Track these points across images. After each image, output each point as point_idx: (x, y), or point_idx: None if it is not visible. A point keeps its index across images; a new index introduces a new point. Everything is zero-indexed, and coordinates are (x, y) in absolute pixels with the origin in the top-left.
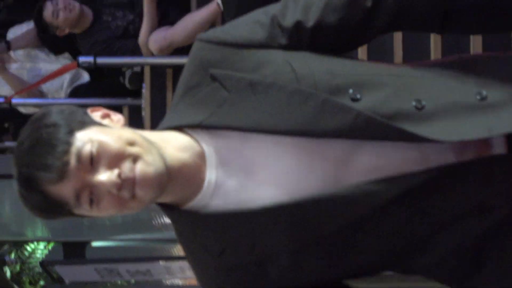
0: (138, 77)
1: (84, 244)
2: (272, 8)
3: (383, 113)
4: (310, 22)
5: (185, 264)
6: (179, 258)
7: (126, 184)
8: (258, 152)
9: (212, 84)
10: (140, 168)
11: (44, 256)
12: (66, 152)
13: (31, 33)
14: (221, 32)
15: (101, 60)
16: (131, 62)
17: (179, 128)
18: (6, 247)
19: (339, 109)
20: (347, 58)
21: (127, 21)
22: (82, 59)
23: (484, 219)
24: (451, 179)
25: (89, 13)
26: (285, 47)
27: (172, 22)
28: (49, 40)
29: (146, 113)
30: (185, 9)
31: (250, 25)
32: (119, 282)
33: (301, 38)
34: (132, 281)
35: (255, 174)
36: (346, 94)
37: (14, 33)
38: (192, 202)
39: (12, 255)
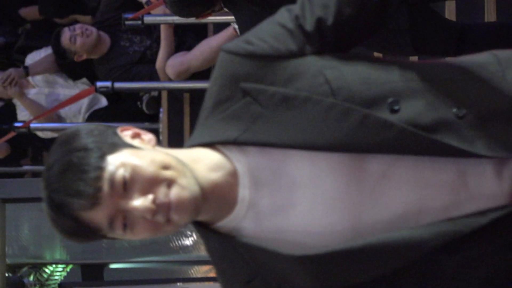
0: (155, 102)
1: (102, 266)
2: (294, 8)
3: (424, 124)
4: (330, 20)
5: (202, 285)
6: (196, 279)
7: (161, 209)
8: (294, 170)
9: (244, 98)
10: (175, 192)
11: (62, 278)
12: (99, 178)
13: (49, 58)
14: (247, 43)
15: (119, 85)
16: (149, 87)
17: (210, 144)
18: (25, 269)
19: (382, 124)
20: (379, 61)
21: (144, 47)
22: (100, 84)
23: None
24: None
25: (106, 38)
26: (314, 53)
27: (189, 48)
28: (67, 65)
29: (163, 137)
30: (202, 35)
31: (276, 33)
32: None
33: (326, 39)
34: None
35: (290, 196)
36: (384, 105)
37: (32, 58)
38: (223, 221)
39: (31, 278)
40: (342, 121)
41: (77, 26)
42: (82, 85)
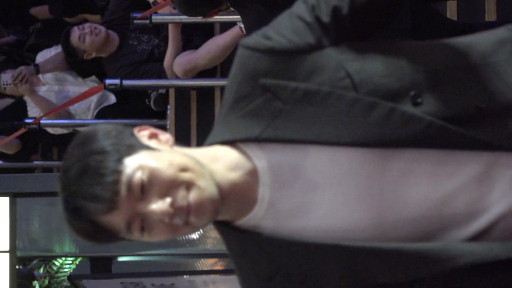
0: (163, 99)
1: (111, 259)
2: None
3: (448, 117)
4: (345, 7)
5: (208, 278)
6: (202, 272)
7: (179, 212)
8: (315, 169)
9: (264, 94)
10: (194, 196)
11: (71, 271)
12: (116, 181)
13: (59, 56)
14: (267, 38)
15: (127, 83)
16: (157, 85)
17: (230, 142)
18: (35, 262)
19: (408, 118)
20: (397, 49)
21: (152, 45)
22: (108, 81)
23: None
24: None
25: (115, 37)
26: (332, 44)
27: (196, 46)
28: (77, 63)
29: (171, 133)
30: (209, 34)
31: (295, 26)
32: None
33: (343, 28)
34: None
35: (310, 195)
36: (407, 98)
37: (42, 56)
38: (243, 220)
39: (41, 270)
40: (367, 115)
41: (86, 25)
42: (91, 82)
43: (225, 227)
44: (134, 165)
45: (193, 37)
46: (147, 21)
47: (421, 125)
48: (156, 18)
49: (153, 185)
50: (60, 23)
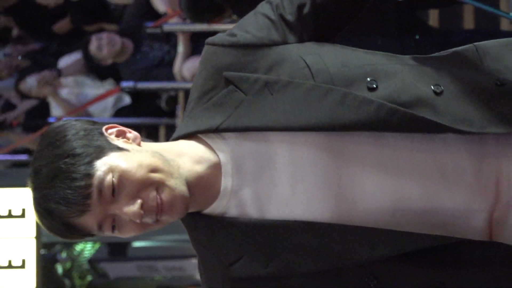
0: (173, 100)
1: (126, 244)
2: (274, 0)
3: (402, 101)
4: (308, 6)
5: None
6: None
7: (149, 213)
8: (276, 157)
9: (227, 87)
10: (165, 196)
11: (91, 255)
12: (87, 186)
13: (79, 62)
14: (231, 35)
15: (141, 85)
16: (167, 87)
17: (194, 135)
18: (58, 247)
19: (360, 102)
20: (357, 49)
21: (163, 52)
22: (124, 84)
23: None
24: (476, 261)
25: (129, 45)
26: (296, 41)
27: None
28: (95, 68)
29: None
30: None
31: (259, 23)
32: (156, 277)
33: (307, 26)
34: (168, 276)
35: (272, 183)
36: (363, 84)
37: (64, 62)
38: (208, 210)
39: (64, 254)
40: (323, 101)
41: (104, 35)
42: (108, 85)
43: (192, 216)
44: (105, 168)
45: (200, 44)
46: (159, 30)
47: (372, 108)
48: (166, 27)
49: (124, 187)
50: (80, 31)
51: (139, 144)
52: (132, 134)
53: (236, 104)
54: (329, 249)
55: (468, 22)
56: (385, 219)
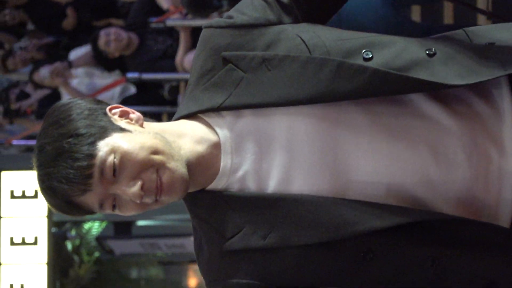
0: (175, 90)
1: (131, 223)
2: None
3: (397, 66)
4: None
5: None
6: None
7: (149, 194)
8: (275, 133)
9: (225, 66)
10: (165, 178)
11: (98, 233)
12: (89, 166)
13: (89, 55)
14: (228, 17)
15: (146, 76)
16: (170, 78)
17: (195, 115)
18: (67, 225)
19: (355, 70)
20: (350, 30)
21: (166, 45)
22: (130, 75)
23: None
24: (467, 239)
25: (135, 39)
26: (291, 22)
27: None
28: (103, 60)
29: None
30: None
31: (255, 4)
32: (158, 253)
33: (301, 7)
34: (169, 253)
35: (271, 156)
36: (359, 55)
37: (74, 54)
38: (209, 187)
39: (73, 232)
40: (319, 72)
41: (112, 31)
42: (115, 76)
43: (193, 192)
44: (107, 149)
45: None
46: (162, 25)
47: (367, 75)
48: (169, 22)
49: (125, 168)
50: (89, 26)
51: (141, 125)
52: (135, 115)
53: (236, 83)
54: (327, 222)
55: (448, 19)
56: (381, 191)
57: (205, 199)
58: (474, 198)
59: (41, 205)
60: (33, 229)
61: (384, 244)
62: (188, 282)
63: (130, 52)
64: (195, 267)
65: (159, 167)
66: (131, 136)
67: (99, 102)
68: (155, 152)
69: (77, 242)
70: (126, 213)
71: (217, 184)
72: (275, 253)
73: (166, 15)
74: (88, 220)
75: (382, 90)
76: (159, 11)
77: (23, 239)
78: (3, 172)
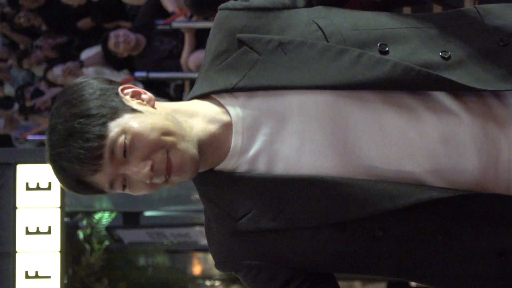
0: (180, 88)
1: (139, 213)
2: None
3: (413, 64)
4: None
5: None
6: None
7: (159, 174)
8: (287, 113)
9: (241, 48)
10: (174, 159)
11: (108, 222)
12: (100, 146)
13: (99, 55)
14: (243, 0)
15: (153, 75)
16: (175, 77)
17: (208, 95)
18: (79, 216)
19: (376, 61)
20: (363, 11)
21: (171, 46)
22: (137, 74)
23: (501, 264)
24: (479, 211)
25: (143, 40)
26: (305, 6)
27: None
28: (112, 60)
29: None
30: None
31: None
32: (165, 242)
33: None
34: (175, 241)
35: (282, 138)
36: (374, 48)
37: (86, 55)
38: (218, 168)
39: (84, 222)
40: (338, 60)
41: (121, 33)
42: (124, 75)
43: (202, 173)
44: (118, 129)
45: (204, 39)
46: (168, 27)
47: (388, 66)
48: (175, 24)
49: (136, 149)
50: (99, 27)
51: (153, 106)
52: (147, 95)
53: (251, 64)
54: (336, 203)
55: None
56: (390, 177)
57: (213, 179)
58: (484, 189)
59: (55, 196)
60: (47, 219)
61: (394, 221)
62: (192, 269)
63: (138, 53)
64: (199, 255)
65: (169, 148)
66: (142, 117)
67: (111, 82)
68: (166, 133)
69: (88, 231)
70: (136, 192)
71: (227, 164)
72: (286, 235)
73: (172, 18)
74: (99, 211)
75: (401, 83)
76: (165, 14)
77: (38, 228)
78: (18, 166)
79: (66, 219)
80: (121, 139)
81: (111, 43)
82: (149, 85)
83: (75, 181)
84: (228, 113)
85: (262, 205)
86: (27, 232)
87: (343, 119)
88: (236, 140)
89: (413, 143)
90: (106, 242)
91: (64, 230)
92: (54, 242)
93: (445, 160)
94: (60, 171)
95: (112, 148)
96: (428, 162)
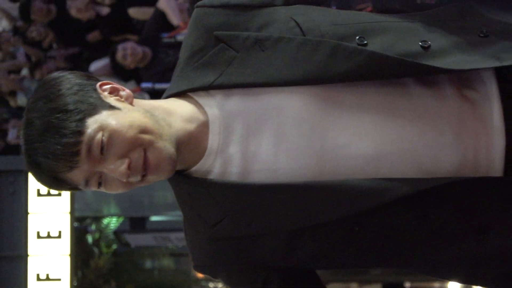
0: None
1: (145, 218)
2: None
3: (392, 55)
4: None
5: None
6: None
7: (136, 172)
8: (265, 115)
9: (218, 46)
10: (152, 157)
11: (116, 227)
12: (77, 143)
13: (107, 66)
14: None
15: (158, 86)
16: None
17: (185, 93)
18: (88, 220)
19: (351, 52)
20: (342, 10)
21: (176, 58)
22: (144, 85)
23: (482, 242)
24: (457, 195)
25: (149, 53)
26: (284, 4)
27: None
28: (120, 71)
29: None
30: None
31: None
32: (170, 246)
33: None
34: (180, 245)
35: (258, 138)
36: (353, 41)
37: (95, 66)
38: (194, 168)
39: (93, 227)
40: (314, 54)
41: (128, 46)
42: (131, 85)
43: (176, 176)
44: (95, 126)
45: None
46: (173, 40)
47: (363, 56)
48: (179, 37)
49: (113, 147)
50: (108, 40)
51: (131, 103)
52: (125, 92)
53: (228, 62)
54: (310, 207)
55: None
56: (369, 173)
57: (186, 184)
58: (462, 175)
59: (65, 202)
60: (57, 224)
61: (371, 217)
62: (196, 272)
63: (144, 64)
64: None
65: (147, 147)
66: (120, 114)
67: (89, 77)
68: (144, 131)
69: (97, 235)
70: (111, 191)
71: (203, 163)
72: (263, 238)
73: (177, 31)
74: (107, 216)
75: (377, 72)
76: (170, 27)
77: (48, 233)
78: (30, 173)
79: (75, 224)
80: (99, 136)
81: (119, 55)
82: (155, 95)
83: (50, 177)
84: (205, 112)
85: (235, 212)
86: (39, 237)
87: (320, 119)
88: (212, 140)
89: (390, 137)
90: (114, 246)
91: (73, 235)
92: (64, 246)
93: (424, 152)
94: (35, 167)
95: (89, 145)
96: (407, 156)
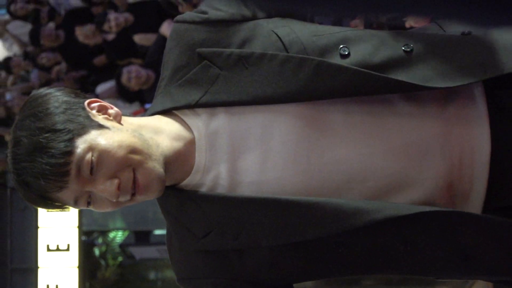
0: None
1: (149, 232)
2: None
3: (375, 63)
4: None
5: None
6: None
7: (125, 192)
8: (250, 129)
9: (201, 63)
10: (141, 178)
11: (122, 240)
12: (66, 163)
13: (113, 88)
14: (201, 12)
15: None
16: None
17: (169, 111)
18: (95, 234)
19: (335, 70)
20: (323, 25)
21: None
22: (148, 105)
23: (468, 266)
24: (440, 225)
25: (152, 75)
26: (265, 17)
27: None
28: (125, 93)
29: None
30: None
31: (228, 0)
32: None
33: (275, 3)
34: None
35: (245, 156)
36: (336, 51)
37: (101, 88)
38: (183, 183)
39: (100, 240)
40: (298, 71)
41: (133, 69)
42: (135, 107)
43: (165, 190)
44: (85, 146)
45: None
46: None
47: (347, 75)
48: None
49: (103, 167)
50: (113, 64)
51: (119, 122)
52: (113, 110)
53: (212, 80)
54: (294, 224)
55: None
56: (355, 190)
57: (174, 197)
58: (449, 187)
59: (73, 217)
60: (66, 237)
61: (355, 238)
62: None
63: (148, 86)
64: None
65: (136, 167)
66: (109, 133)
67: (77, 94)
68: (133, 151)
69: (104, 248)
70: (100, 209)
71: (192, 179)
72: (248, 252)
73: None
74: (113, 230)
75: (361, 90)
76: None
77: (58, 246)
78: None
79: (83, 238)
80: (88, 156)
81: (124, 78)
82: None
83: (39, 196)
84: (191, 130)
85: (223, 224)
86: (48, 250)
87: (306, 136)
88: (199, 158)
89: (375, 154)
90: (120, 258)
91: (81, 248)
92: (72, 259)
93: (410, 168)
94: (24, 186)
95: (79, 165)
96: (391, 172)
